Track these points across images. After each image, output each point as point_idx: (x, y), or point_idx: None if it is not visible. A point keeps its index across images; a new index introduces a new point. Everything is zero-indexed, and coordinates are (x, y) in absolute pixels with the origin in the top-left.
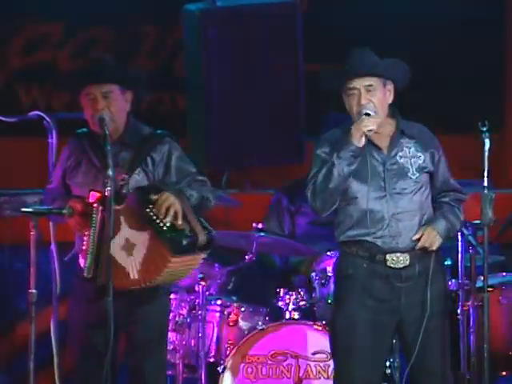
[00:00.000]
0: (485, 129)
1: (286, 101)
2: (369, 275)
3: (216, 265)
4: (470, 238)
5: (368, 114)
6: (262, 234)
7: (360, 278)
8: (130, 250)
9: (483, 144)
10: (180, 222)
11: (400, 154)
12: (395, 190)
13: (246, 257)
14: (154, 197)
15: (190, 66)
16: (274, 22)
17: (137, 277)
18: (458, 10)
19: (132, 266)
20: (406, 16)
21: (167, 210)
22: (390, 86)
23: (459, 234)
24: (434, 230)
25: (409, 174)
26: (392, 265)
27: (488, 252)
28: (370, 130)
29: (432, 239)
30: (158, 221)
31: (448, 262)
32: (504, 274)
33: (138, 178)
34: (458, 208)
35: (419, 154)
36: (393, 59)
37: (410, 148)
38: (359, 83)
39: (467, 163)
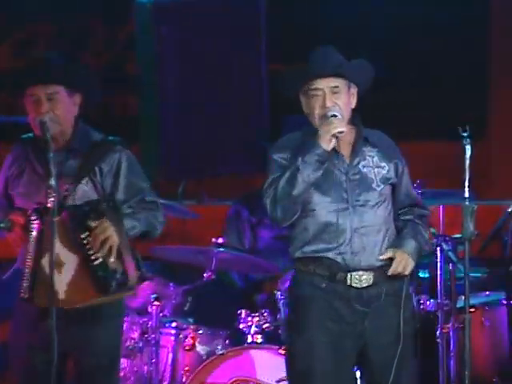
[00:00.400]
0: (466, 134)
1: (249, 103)
2: (328, 296)
3: (171, 284)
4: (450, 253)
5: (335, 116)
6: (222, 249)
7: (319, 299)
8: (59, 268)
9: (464, 151)
10: (113, 259)
11: (363, 163)
12: (358, 202)
13: (205, 274)
14: (93, 223)
15: (142, 66)
16: (235, 18)
17: (64, 297)
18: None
19: (60, 284)
20: (378, 15)
21: (103, 243)
22: (354, 90)
23: (438, 248)
24: (405, 252)
25: (373, 186)
26: (354, 284)
27: (469, 269)
28: (341, 132)
29: (405, 264)
30: (90, 252)
31: (424, 275)
32: (487, 292)
33: (86, 189)
34: (424, 226)
35: (383, 164)
36: (359, 60)
37: (372, 157)
38: (324, 84)
39: (453, 172)
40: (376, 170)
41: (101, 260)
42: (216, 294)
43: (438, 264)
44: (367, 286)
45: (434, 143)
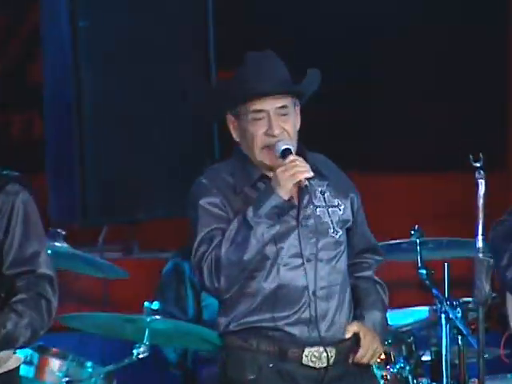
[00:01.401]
0: (479, 165)
1: (193, 122)
2: (276, 380)
3: (88, 364)
4: (459, 323)
5: (288, 151)
6: (157, 317)
7: None
8: None
9: (476, 186)
10: None
11: (314, 202)
12: (315, 255)
13: (134, 351)
14: None
15: (50, 70)
16: (175, 12)
17: None
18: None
19: None
20: (338, 16)
21: None
22: (298, 107)
23: (442, 317)
24: (374, 338)
25: (330, 232)
26: (311, 363)
27: (485, 344)
28: (309, 179)
29: (373, 351)
30: None
31: (427, 358)
32: (509, 375)
33: None
34: (382, 286)
35: (337, 202)
36: (312, 70)
37: (324, 193)
38: (270, 105)
39: (465, 212)
40: (330, 210)
41: None
42: (149, 375)
43: (444, 338)
44: (327, 366)
45: (441, 176)
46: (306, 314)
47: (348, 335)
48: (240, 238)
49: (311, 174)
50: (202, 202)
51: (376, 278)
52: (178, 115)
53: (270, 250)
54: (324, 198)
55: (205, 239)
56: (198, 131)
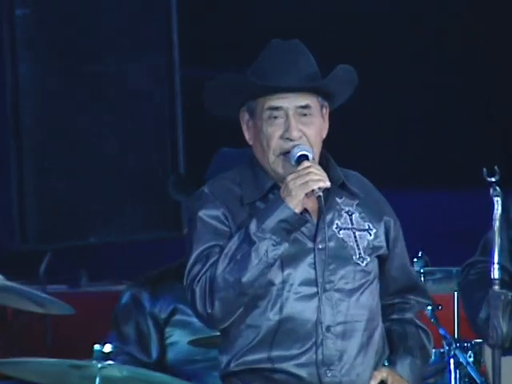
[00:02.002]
0: (494, 179)
1: (156, 131)
2: None
3: None
4: (471, 369)
5: (305, 158)
6: (111, 362)
7: None
8: None
9: (492, 205)
10: None
11: (338, 222)
12: (333, 284)
13: None
14: None
15: None
16: (135, 2)
17: None
18: None
19: None
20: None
21: None
22: (326, 111)
23: (451, 361)
24: (403, 381)
25: (354, 259)
26: None
27: None
28: (321, 189)
29: None
30: None
31: None
32: None
33: None
34: (425, 332)
35: (367, 225)
36: (342, 66)
37: (351, 214)
38: (289, 102)
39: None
40: (358, 234)
41: None
42: None
43: None
44: None
45: (451, 192)
46: (318, 354)
47: (373, 383)
48: (240, 255)
49: (328, 183)
50: (201, 213)
51: (419, 322)
52: (136, 123)
53: (277, 273)
54: (351, 220)
55: (200, 257)
56: (161, 142)
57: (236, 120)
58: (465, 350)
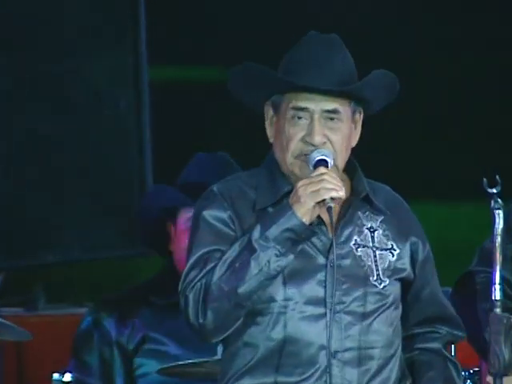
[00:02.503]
0: (496, 191)
1: (119, 138)
2: None
3: None
4: None
5: (324, 163)
6: None
7: None
8: None
9: (493, 218)
10: None
11: (357, 238)
12: (344, 305)
13: None
14: None
15: None
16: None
17: None
18: None
19: None
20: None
21: None
22: (359, 117)
23: None
24: None
25: (371, 280)
26: None
27: None
28: (334, 199)
29: None
30: None
31: None
32: None
33: None
34: (454, 364)
35: (390, 244)
36: (379, 71)
37: (374, 230)
38: (315, 104)
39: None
40: (378, 253)
41: None
42: None
43: None
44: None
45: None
46: (322, 382)
47: None
48: (239, 263)
49: (341, 194)
50: (206, 213)
51: (447, 353)
52: (99, 129)
53: (280, 288)
54: (372, 237)
55: (199, 262)
56: (126, 148)
57: (207, 125)
58: (463, 380)
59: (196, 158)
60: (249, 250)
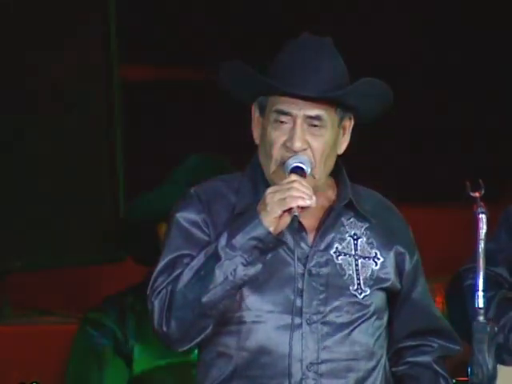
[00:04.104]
0: (478, 194)
1: (91, 144)
2: None
3: None
4: None
5: (300, 170)
6: None
7: None
8: None
9: (476, 222)
10: None
11: (338, 246)
12: (322, 315)
13: None
14: None
15: None
16: None
17: None
18: None
19: None
20: None
21: None
22: (349, 123)
23: None
24: None
25: (351, 289)
26: None
27: None
28: (303, 208)
29: None
30: None
31: None
32: None
33: None
34: (445, 379)
35: (375, 252)
36: (367, 79)
37: (357, 238)
38: (298, 110)
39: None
40: (361, 261)
41: None
42: None
43: None
44: None
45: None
46: None
47: None
48: (204, 270)
49: (310, 202)
50: (180, 215)
51: (438, 367)
52: (68, 130)
53: (252, 296)
54: (355, 245)
55: (168, 266)
56: (97, 151)
57: (184, 127)
58: None
59: (190, 159)
60: (214, 257)
